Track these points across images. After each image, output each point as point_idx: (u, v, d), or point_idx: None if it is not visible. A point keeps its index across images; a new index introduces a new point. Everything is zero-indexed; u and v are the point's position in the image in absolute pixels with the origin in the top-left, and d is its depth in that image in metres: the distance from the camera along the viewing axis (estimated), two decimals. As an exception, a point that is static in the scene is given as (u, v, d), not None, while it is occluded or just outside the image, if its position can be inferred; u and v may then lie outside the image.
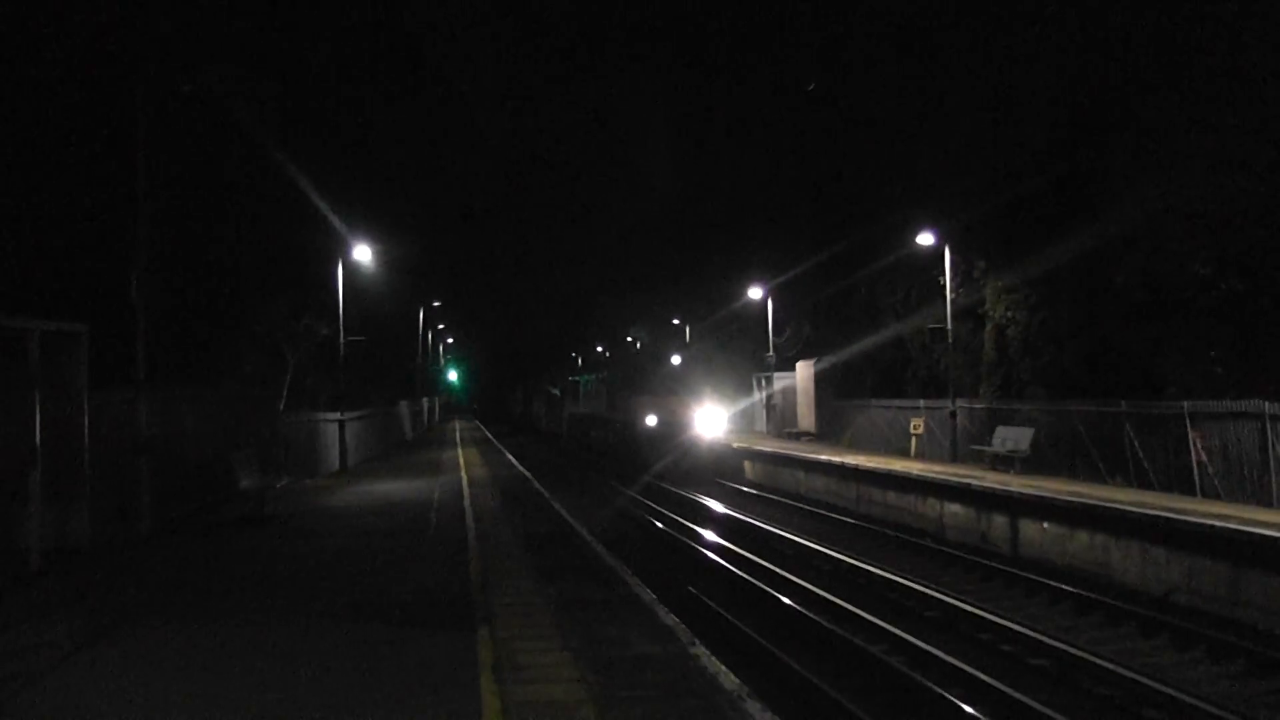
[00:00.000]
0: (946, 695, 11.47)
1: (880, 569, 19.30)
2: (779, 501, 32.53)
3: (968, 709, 11.02)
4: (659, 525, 26.54)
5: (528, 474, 33.22)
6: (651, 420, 39.42)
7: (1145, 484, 22.55)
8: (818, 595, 16.92)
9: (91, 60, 24.07)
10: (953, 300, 33.12)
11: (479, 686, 8.45)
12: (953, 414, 31.64)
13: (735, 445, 41.85)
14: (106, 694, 8.51)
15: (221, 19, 30.60)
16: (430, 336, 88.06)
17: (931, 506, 25.68)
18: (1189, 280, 23.22)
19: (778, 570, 19.32)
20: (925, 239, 33.29)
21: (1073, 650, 13.26)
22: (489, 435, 70.02)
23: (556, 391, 70.30)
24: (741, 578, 18.79)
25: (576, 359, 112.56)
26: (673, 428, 39.06)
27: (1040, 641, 13.81)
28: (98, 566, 14.77)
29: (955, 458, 30.91)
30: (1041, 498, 21.01)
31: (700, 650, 9.70)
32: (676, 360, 42.18)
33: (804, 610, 15.83)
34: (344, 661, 9.38)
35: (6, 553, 14.23)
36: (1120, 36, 26.93)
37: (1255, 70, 22.27)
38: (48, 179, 23.96)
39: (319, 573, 14.40)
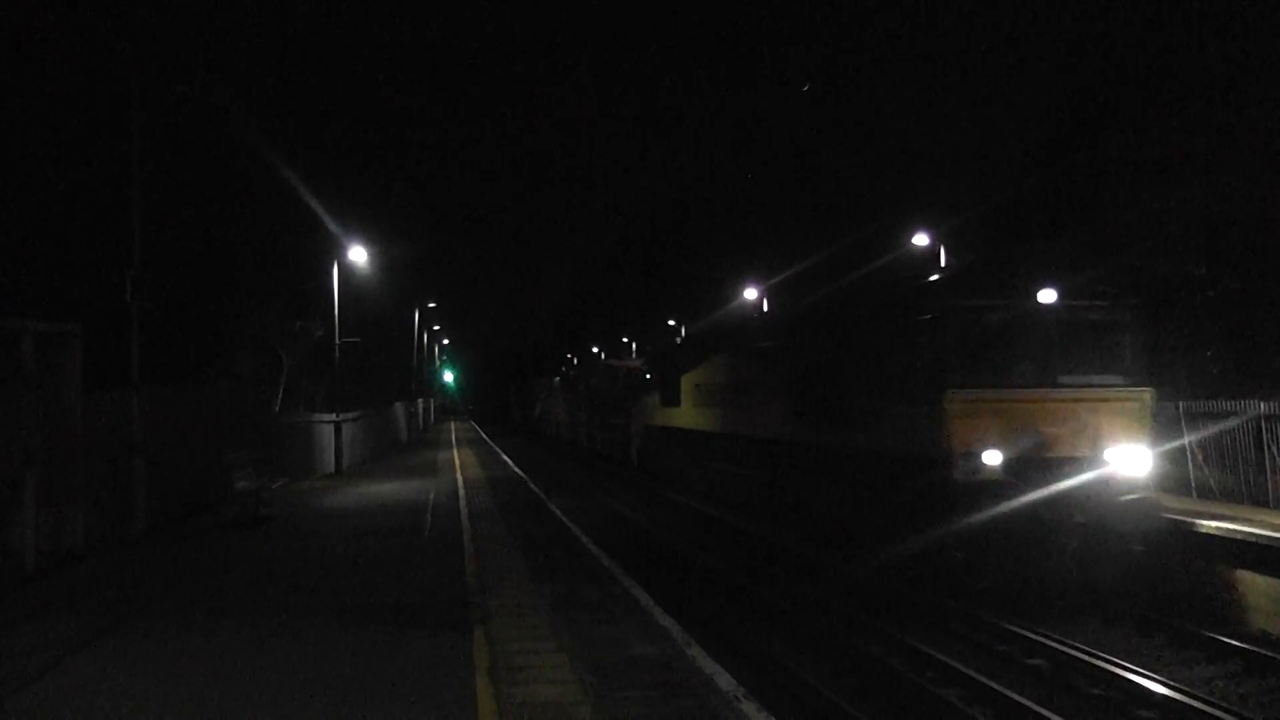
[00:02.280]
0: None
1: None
2: None
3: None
4: None
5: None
6: (992, 456, 15.49)
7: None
8: None
9: (87, 60, 24.03)
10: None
11: (475, 687, 8.43)
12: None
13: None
14: (103, 695, 8.48)
15: (220, 17, 30.55)
16: (426, 337, 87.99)
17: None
18: (1184, 280, 23.25)
19: None
20: (920, 240, 33.30)
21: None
22: (484, 437, 69.97)
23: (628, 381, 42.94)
24: None
25: (571, 359, 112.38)
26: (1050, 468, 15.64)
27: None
28: (93, 568, 14.74)
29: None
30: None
31: (696, 651, 9.68)
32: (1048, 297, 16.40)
33: None
34: (340, 663, 9.36)
35: (2, 554, 14.23)
36: (1114, 39, 26.98)
37: (1248, 72, 22.32)
38: (42, 179, 23.90)
39: (315, 574, 14.37)
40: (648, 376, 38.26)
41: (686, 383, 31.40)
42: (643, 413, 38.05)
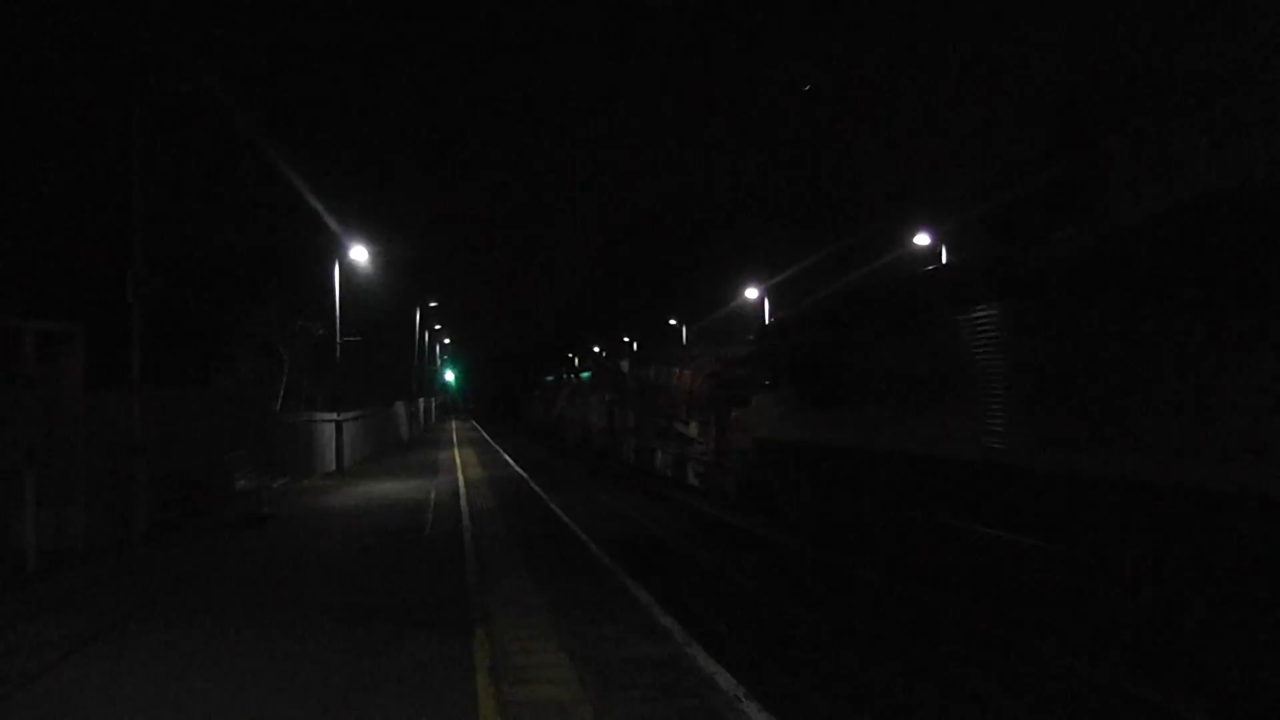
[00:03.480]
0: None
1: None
2: None
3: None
4: None
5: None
6: None
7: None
8: None
9: (87, 59, 24.05)
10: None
11: (475, 687, 8.44)
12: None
13: None
14: (104, 695, 8.48)
15: (223, 18, 30.57)
16: (427, 336, 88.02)
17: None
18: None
19: None
20: (922, 239, 33.31)
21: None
22: (486, 436, 69.89)
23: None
24: None
25: (573, 359, 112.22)
26: None
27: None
28: (94, 567, 14.74)
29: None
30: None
31: (696, 650, 9.69)
32: None
33: None
34: (340, 662, 9.36)
35: (3, 553, 14.22)
36: (1117, 38, 27.01)
37: (1251, 69, 22.32)
38: (43, 179, 23.92)
39: (315, 573, 14.38)
40: (763, 363, 23.33)
41: (865, 365, 17.32)
42: (756, 419, 23.34)
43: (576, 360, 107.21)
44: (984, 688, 10.34)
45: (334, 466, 34.03)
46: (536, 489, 27.70)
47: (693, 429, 30.12)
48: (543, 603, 11.90)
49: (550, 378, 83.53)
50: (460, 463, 38.12)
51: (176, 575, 14.34)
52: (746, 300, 53.09)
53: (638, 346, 78.17)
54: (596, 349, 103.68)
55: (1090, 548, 11.30)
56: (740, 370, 26.36)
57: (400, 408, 61.54)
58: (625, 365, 45.75)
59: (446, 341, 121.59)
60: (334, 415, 34.96)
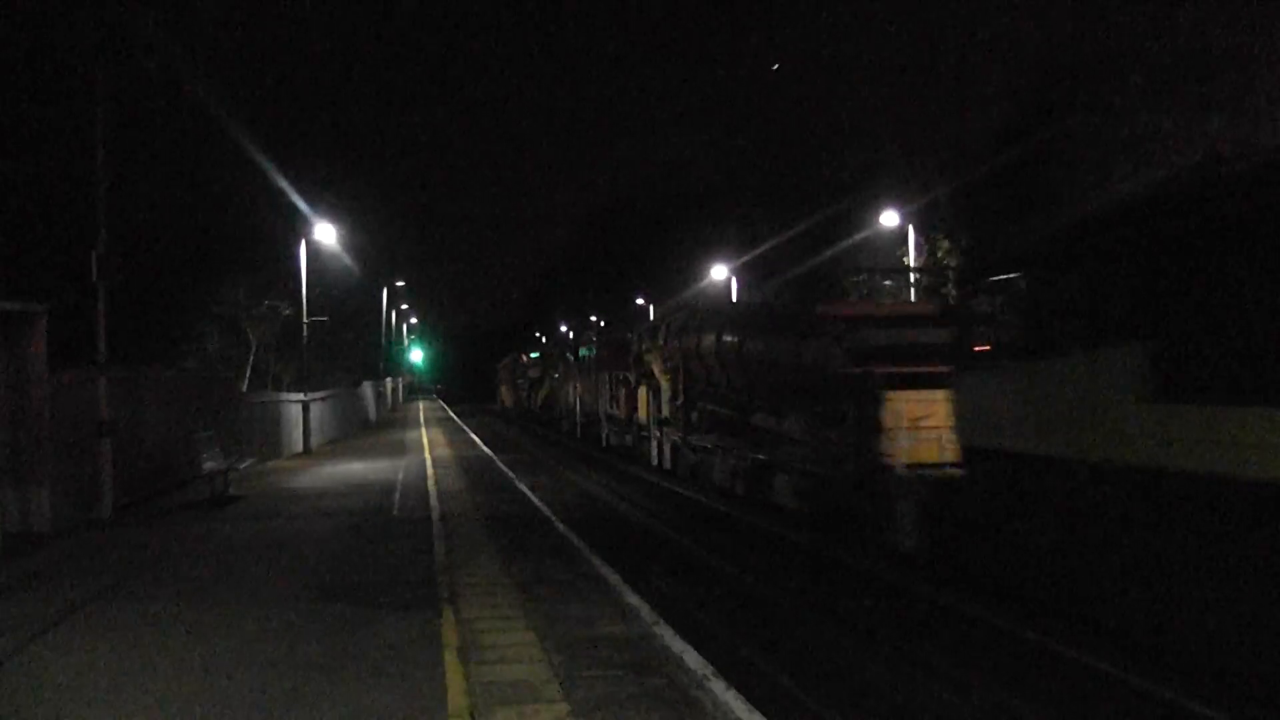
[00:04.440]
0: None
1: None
2: None
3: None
4: None
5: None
6: None
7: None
8: None
9: (51, 35, 23.74)
10: (916, 280, 33.22)
11: (443, 667, 8.47)
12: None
13: None
14: (74, 675, 8.46)
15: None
16: (394, 316, 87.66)
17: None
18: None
19: None
20: (889, 219, 33.38)
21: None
22: (453, 415, 69.71)
23: None
24: None
25: (540, 338, 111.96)
26: None
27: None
28: (60, 549, 14.66)
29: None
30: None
31: (664, 629, 9.76)
32: None
33: None
34: (309, 642, 9.37)
35: (-34, 536, 14.13)
36: (1082, 18, 27.15)
37: (1213, 51, 22.51)
38: (4, 156, 23.62)
39: (283, 554, 14.35)
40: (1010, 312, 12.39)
41: None
42: (969, 415, 13.25)
43: (544, 339, 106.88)
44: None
45: (301, 447, 33.92)
46: (504, 469, 27.73)
47: (791, 425, 20.49)
48: (511, 582, 11.95)
49: (536, 354, 73.19)
50: (427, 443, 38.09)
51: (144, 556, 14.29)
52: (714, 280, 53.04)
53: (606, 324, 77.30)
54: (563, 327, 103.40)
55: None
56: (914, 332, 17.13)
57: (368, 388, 61.33)
58: (638, 333, 34.65)
59: (414, 321, 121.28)
60: (301, 396, 34.82)
